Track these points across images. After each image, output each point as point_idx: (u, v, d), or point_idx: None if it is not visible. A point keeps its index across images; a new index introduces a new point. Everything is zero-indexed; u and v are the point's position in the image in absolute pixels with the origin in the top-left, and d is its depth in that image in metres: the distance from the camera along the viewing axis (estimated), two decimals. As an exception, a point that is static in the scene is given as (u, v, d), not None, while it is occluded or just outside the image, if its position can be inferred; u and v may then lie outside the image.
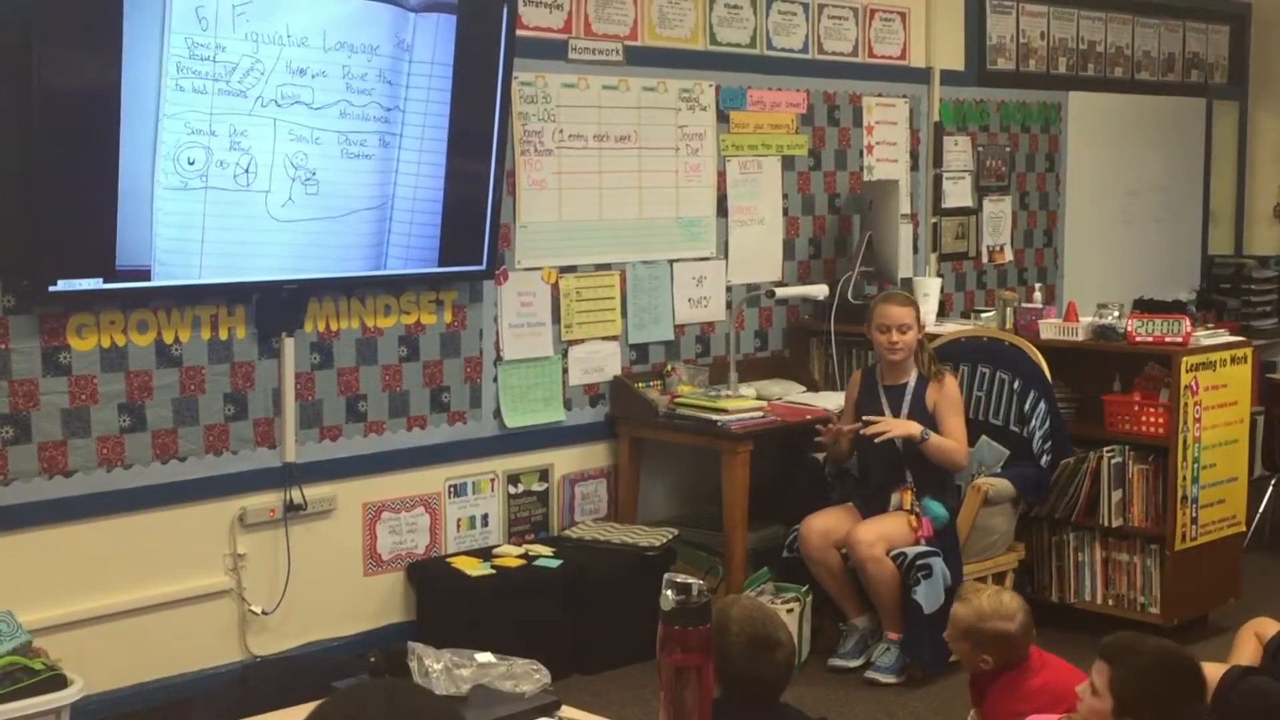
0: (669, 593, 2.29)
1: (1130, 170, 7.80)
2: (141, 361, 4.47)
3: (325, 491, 4.91)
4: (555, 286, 5.45)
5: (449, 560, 5.11)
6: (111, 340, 4.40)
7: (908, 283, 6.07)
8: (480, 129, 4.97)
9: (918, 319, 5.16)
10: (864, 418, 5.10)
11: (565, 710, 2.96)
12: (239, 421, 4.70)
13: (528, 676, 2.99)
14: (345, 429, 4.95)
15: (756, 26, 6.02)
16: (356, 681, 2.81)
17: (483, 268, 5.12)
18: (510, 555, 5.14)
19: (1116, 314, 5.59)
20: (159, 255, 4.31)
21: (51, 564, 4.34)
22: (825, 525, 5.09)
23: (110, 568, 4.46)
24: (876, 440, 5.02)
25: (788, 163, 6.18)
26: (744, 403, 5.45)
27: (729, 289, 5.98)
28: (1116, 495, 5.36)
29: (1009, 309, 5.82)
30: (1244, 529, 5.67)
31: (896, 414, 5.10)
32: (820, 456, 5.36)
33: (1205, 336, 5.50)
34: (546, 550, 5.20)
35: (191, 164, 4.32)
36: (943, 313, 6.28)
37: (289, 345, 4.76)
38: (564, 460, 5.53)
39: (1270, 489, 6.59)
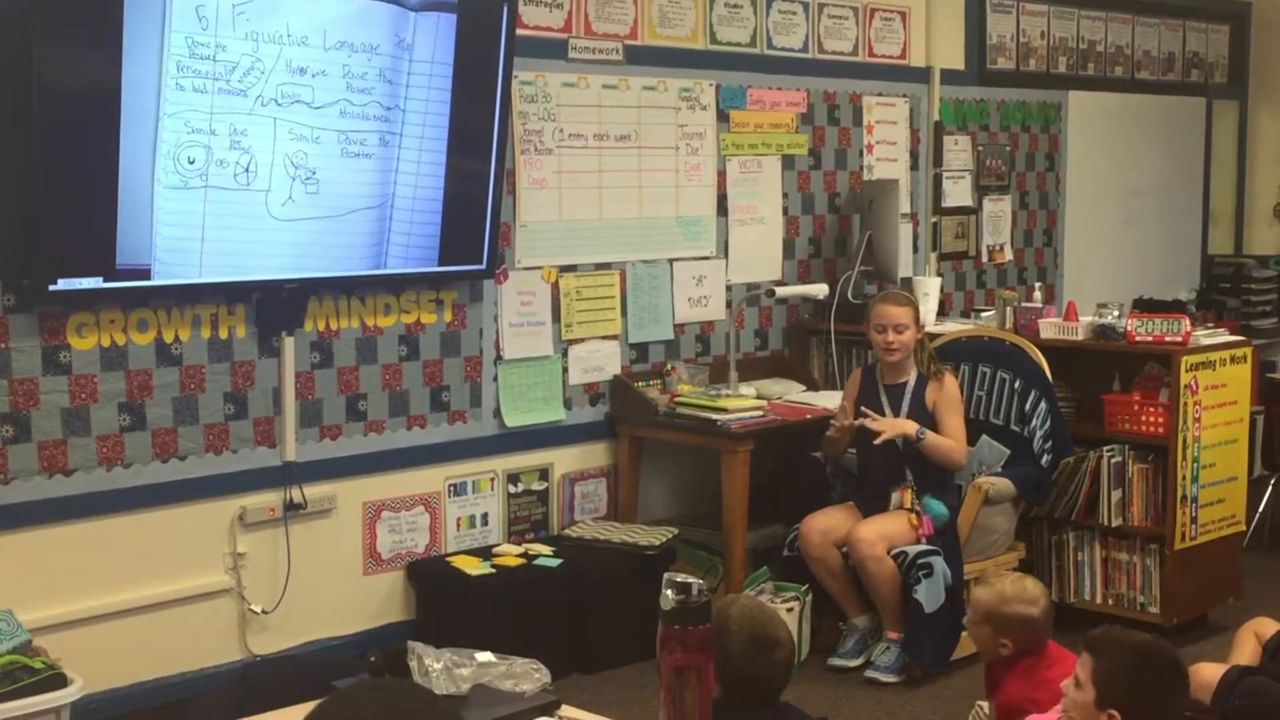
0: (669, 592, 2.29)
1: (1130, 170, 7.80)
2: (141, 360, 4.47)
3: (325, 491, 4.91)
4: (555, 286, 5.45)
5: (449, 559, 5.12)
6: (111, 339, 4.40)
7: (908, 282, 6.07)
8: (480, 128, 4.97)
9: (916, 319, 5.16)
10: (863, 409, 5.11)
11: (565, 710, 2.96)
12: (239, 421, 4.70)
13: (527, 676, 3.00)
14: (345, 428, 4.95)
15: (756, 26, 6.02)
16: (356, 681, 2.81)
17: (483, 267, 5.12)
18: (510, 554, 5.14)
19: (1116, 313, 5.59)
20: (159, 254, 4.31)
21: (51, 563, 4.34)
22: (826, 524, 5.09)
23: (110, 567, 4.46)
24: (875, 442, 5.02)
25: (788, 162, 6.18)
26: (744, 402, 5.45)
27: (729, 288, 5.98)
28: (1116, 495, 5.36)
29: (1009, 308, 5.82)
30: (1243, 528, 5.67)
31: (896, 413, 5.11)
32: (819, 455, 5.36)
33: (1205, 336, 5.51)
34: (546, 550, 5.20)
35: (191, 163, 4.32)
36: (943, 312, 6.28)
37: (289, 344, 4.76)
38: (564, 459, 5.54)
39: (1270, 489, 6.59)
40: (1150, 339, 5.31)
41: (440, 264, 5.00)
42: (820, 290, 5.89)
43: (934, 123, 6.76)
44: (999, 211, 7.15)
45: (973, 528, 5.16)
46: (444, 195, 4.92)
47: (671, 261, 5.79)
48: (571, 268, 5.49)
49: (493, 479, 5.35)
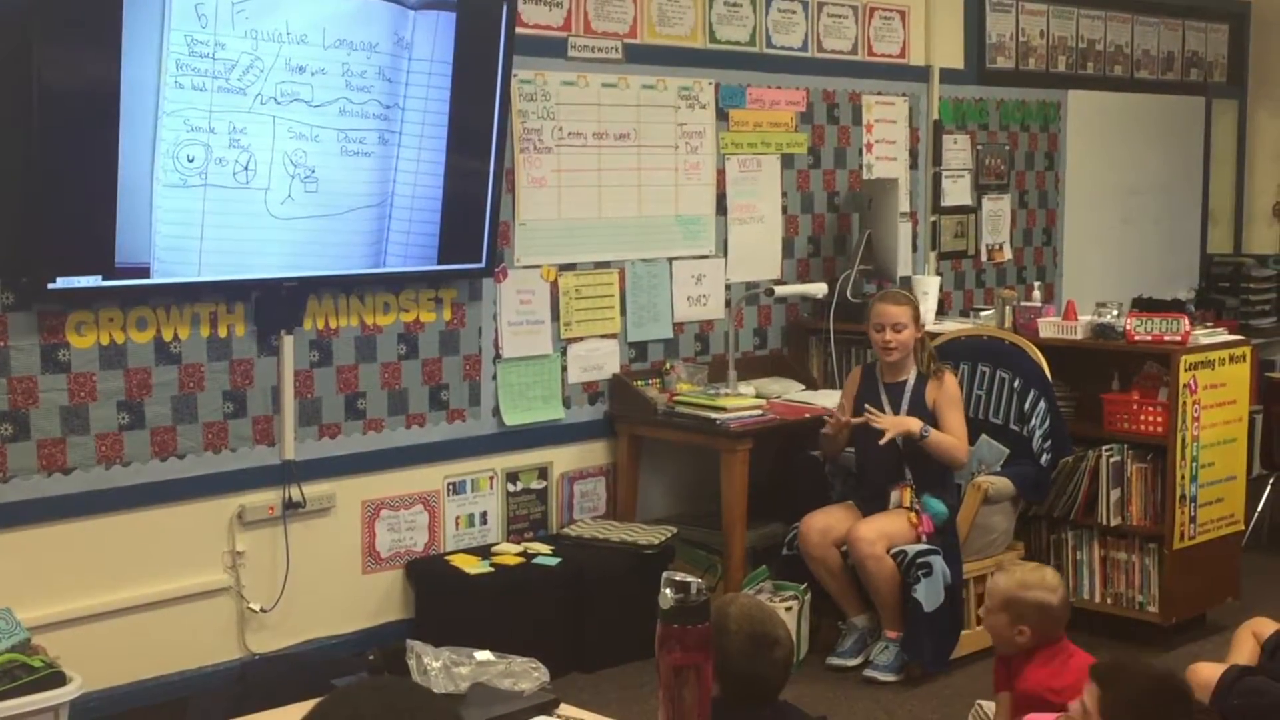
0: (668, 591, 2.29)
1: (1129, 169, 7.80)
2: (140, 359, 4.47)
3: (324, 489, 4.91)
4: (554, 284, 5.45)
5: (448, 558, 5.12)
6: (110, 338, 4.40)
7: (907, 281, 6.08)
8: (480, 127, 4.97)
9: (915, 318, 5.15)
10: (866, 406, 5.10)
11: (564, 708, 2.96)
12: (238, 419, 4.70)
13: (526, 674, 3.00)
14: (344, 427, 4.95)
15: (756, 24, 6.02)
16: (355, 679, 2.82)
17: (482, 265, 5.12)
18: (509, 553, 5.14)
19: (1115, 313, 5.58)
20: (158, 253, 4.31)
21: (50, 561, 4.34)
22: (825, 523, 5.09)
23: (109, 565, 4.46)
24: (880, 442, 5.01)
25: (787, 161, 6.18)
26: (743, 401, 5.45)
27: (728, 287, 5.98)
28: (1115, 494, 5.36)
29: (1008, 307, 5.82)
30: (1242, 528, 5.67)
31: (896, 411, 5.11)
32: (818, 454, 5.36)
33: (1204, 335, 5.50)
34: (545, 548, 5.20)
35: (191, 161, 4.32)
36: (942, 311, 6.29)
37: (288, 343, 4.76)
38: (563, 458, 5.54)
39: (1268, 488, 6.59)
40: (1149, 338, 5.31)
41: (439, 263, 5.00)
42: (819, 289, 5.89)
43: (933, 122, 6.76)
44: (998, 210, 7.15)
45: (972, 527, 5.16)
46: (443, 194, 4.92)
47: (671, 260, 5.79)
48: (571, 266, 5.49)
49: (492, 478, 5.35)
